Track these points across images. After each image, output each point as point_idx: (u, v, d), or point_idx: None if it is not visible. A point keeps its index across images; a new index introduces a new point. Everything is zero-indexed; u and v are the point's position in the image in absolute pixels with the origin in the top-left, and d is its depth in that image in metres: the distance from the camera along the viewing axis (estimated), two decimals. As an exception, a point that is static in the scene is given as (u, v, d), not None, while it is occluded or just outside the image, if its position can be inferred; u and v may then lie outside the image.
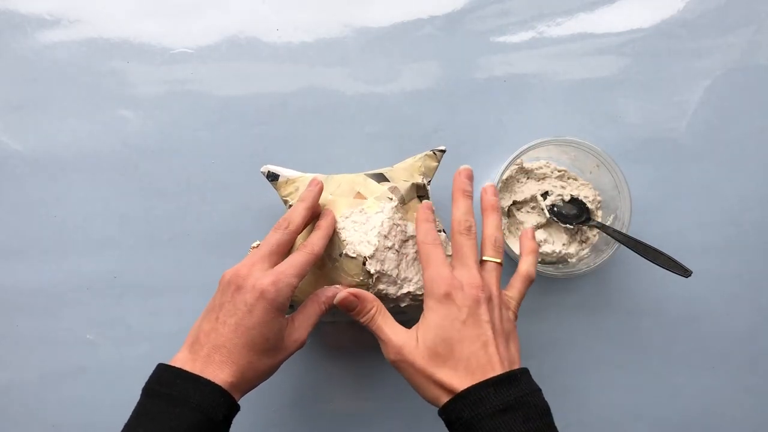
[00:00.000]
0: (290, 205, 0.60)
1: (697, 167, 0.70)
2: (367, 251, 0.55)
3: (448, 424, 0.49)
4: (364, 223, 0.57)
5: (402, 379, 0.67)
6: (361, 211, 0.57)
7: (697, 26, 0.70)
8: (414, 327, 0.52)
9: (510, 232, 0.67)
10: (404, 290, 0.57)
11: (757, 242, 0.69)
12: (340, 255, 0.56)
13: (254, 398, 0.66)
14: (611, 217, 0.66)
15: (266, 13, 0.69)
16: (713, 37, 0.70)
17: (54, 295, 0.67)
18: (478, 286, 0.50)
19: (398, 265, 0.57)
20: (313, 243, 0.54)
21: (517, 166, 0.67)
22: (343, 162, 0.68)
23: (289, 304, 0.53)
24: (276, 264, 0.52)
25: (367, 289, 0.56)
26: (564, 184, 0.68)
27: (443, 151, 0.61)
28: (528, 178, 0.68)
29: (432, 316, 0.50)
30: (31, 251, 0.67)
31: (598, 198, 0.67)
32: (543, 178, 0.68)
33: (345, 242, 0.56)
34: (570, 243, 0.67)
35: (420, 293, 0.57)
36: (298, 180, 0.61)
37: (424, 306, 0.51)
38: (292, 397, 0.67)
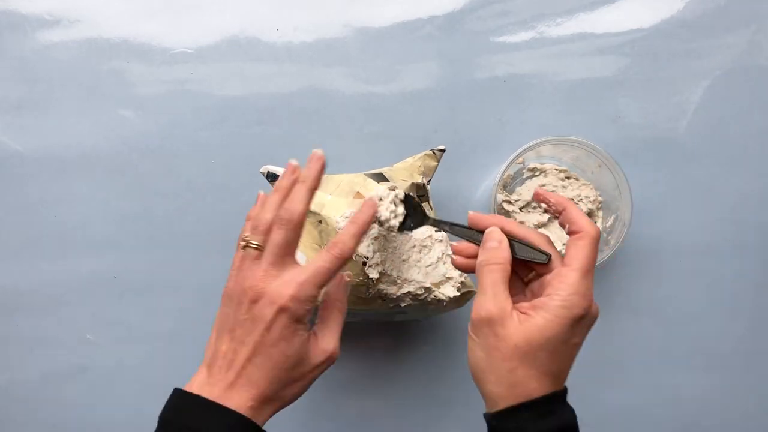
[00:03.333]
0: None
1: (697, 167, 0.70)
2: (367, 252, 0.55)
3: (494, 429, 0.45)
4: None
5: (402, 378, 0.67)
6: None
7: (697, 26, 0.70)
8: (524, 310, 0.45)
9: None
10: (404, 290, 0.57)
11: (757, 242, 0.69)
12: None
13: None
14: (612, 217, 0.66)
15: (266, 13, 0.69)
16: (713, 37, 0.70)
17: (54, 295, 0.67)
18: (598, 314, 0.47)
19: (399, 265, 0.57)
20: (343, 242, 0.46)
21: (519, 165, 0.67)
22: (343, 162, 0.68)
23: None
24: (291, 264, 0.46)
25: (367, 290, 0.56)
26: (565, 184, 0.68)
27: (443, 151, 0.61)
28: (529, 178, 0.68)
29: (554, 327, 0.44)
30: (31, 251, 0.67)
31: (599, 198, 0.67)
32: (544, 178, 0.68)
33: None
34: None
35: (420, 293, 0.57)
36: None
37: (546, 305, 0.44)
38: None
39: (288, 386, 0.46)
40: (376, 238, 0.55)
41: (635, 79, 0.70)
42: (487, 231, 0.48)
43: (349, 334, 0.68)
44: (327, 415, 0.67)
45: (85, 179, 0.68)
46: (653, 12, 0.70)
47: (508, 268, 0.46)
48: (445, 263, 0.59)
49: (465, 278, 0.59)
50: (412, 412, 0.67)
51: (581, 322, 0.45)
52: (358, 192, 0.58)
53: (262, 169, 0.61)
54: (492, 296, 0.45)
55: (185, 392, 0.45)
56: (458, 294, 0.58)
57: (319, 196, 0.58)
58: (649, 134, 0.70)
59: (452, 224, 0.51)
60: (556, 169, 0.68)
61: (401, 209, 0.55)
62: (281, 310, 0.44)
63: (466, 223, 0.50)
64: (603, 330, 0.69)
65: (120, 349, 0.67)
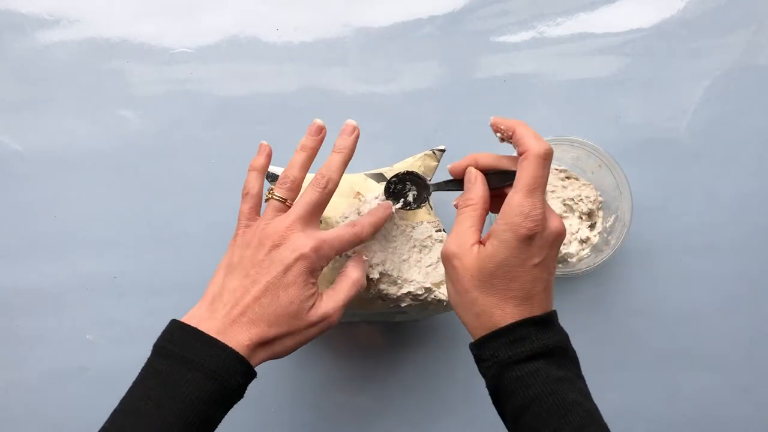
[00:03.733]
0: None
1: (697, 167, 0.70)
2: (367, 252, 0.55)
3: (478, 360, 0.46)
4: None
5: (403, 378, 0.67)
6: (359, 213, 0.57)
7: (697, 26, 0.70)
8: (480, 242, 0.47)
9: None
10: (404, 290, 0.57)
11: (757, 242, 0.69)
12: (340, 255, 0.56)
13: (254, 398, 0.66)
14: (612, 217, 0.66)
15: (266, 13, 0.69)
16: (713, 37, 0.70)
17: (54, 295, 0.67)
18: (563, 229, 0.46)
19: (399, 265, 0.57)
20: (363, 226, 0.50)
21: None
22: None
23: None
24: (315, 226, 0.49)
25: (368, 290, 0.55)
26: (565, 184, 0.68)
27: (443, 151, 0.61)
28: None
29: (502, 251, 0.44)
30: (31, 251, 0.67)
31: (600, 198, 0.67)
32: None
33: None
34: (570, 243, 0.67)
35: (420, 293, 0.57)
36: None
37: (494, 231, 0.45)
38: (292, 397, 0.67)
39: (284, 336, 0.46)
40: (376, 239, 0.55)
41: (635, 79, 0.70)
42: (467, 171, 0.50)
43: (349, 334, 0.68)
44: (326, 415, 0.67)
45: (85, 179, 0.68)
46: (653, 12, 0.70)
47: (481, 205, 0.48)
48: None
49: None
50: (412, 412, 0.67)
51: (532, 242, 0.44)
52: (358, 192, 0.58)
53: None
54: (455, 235, 0.47)
55: (184, 324, 0.45)
56: None
57: None
58: (649, 134, 0.70)
59: (446, 182, 0.54)
60: (556, 169, 0.68)
61: (411, 227, 0.57)
62: (302, 257, 0.46)
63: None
64: (603, 330, 0.69)
65: (120, 349, 0.67)
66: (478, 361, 0.46)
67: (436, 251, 0.58)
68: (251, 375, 0.46)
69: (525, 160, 0.45)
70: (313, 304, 0.47)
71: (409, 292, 0.57)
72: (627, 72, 0.70)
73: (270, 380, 0.66)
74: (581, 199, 0.67)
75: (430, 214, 0.60)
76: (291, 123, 0.69)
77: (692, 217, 0.69)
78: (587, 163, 0.67)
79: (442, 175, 0.63)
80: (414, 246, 0.58)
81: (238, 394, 0.45)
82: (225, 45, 0.69)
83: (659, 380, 0.69)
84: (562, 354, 0.45)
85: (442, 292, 0.57)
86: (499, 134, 0.49)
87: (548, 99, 0.69)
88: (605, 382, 0.69)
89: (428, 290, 0.57)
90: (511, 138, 0.48)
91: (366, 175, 0.60)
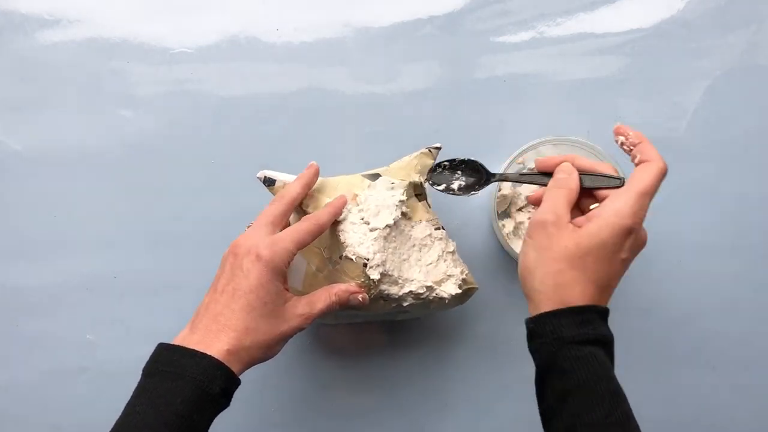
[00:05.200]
0: None
1: (697, 167, 0.70)
2: (367, 254, 0.55)
3: (532, 336, 0.48)
4: (363, 218, 0.57)
5: (403, 377, 0.67)
6: (360, 210, 0.57)
7: (697, 26, 0.70)
8: (578, 224, 0.48)
9: (515, 234, 0.67)
10: (406, 289, 0.56)
11: (757, 242, 0.69)
12: (340, 257, 0.56)
13: (254, 398, 0.66)
14: None
15: (266, 13, 0.69)
16: (713, 37, 0.70)
17: (54, 295, 0.67)
18: (646, 240, 0.49)
19: (400, 265, 0.57)
20: (319, 215, 0.54)
21: (519, 165, 0.67)
22: (344, 162, 0.68)
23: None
24: (272, 232, 0.52)
25: (369, 291, 0.55)
26: None
27: (439, 149, 0.61)
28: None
29: (604, 233, 0.46)
30: (31, 251, 0.67)
31: None
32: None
33: (345, 244, 0.55)
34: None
35: (422, 292, 0.57)
36: None
37: (599, 215, 0.47)
38: (292, 397, 0.67)
39: (260, 337, 0.49)
40: (375, 239, 0.55)
41: (635, 79, 0.70)
42: (560, 164, 0.52)
43: (349, 333, 0.68)
44: (326, 414, 0.67)
45: (84, 179, 0.68)
46: (653, 12, 0.70)
47: (574, 194, 0.50)
48: (445, 261, 0.59)
49: (466, 275, 0.59)
50: (412, 411, 0.67)
51: (629, 237, 0.47)
52: (355, 194, 0.58)
53: (258, 174, 0.60)
54: (551, 206, 0.49)
55: (167, 344, 0.48)
56: (460, 291, 0.58)
57: (319, 200, 0.58)
58: (649, 134, 0.69)
59: (520, 174, 0.56)
60: None
61: (400, 196, 0.57)
62: (257, 258, 0.49)
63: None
64: (603, 330, 0.69)
65: (120, 349, 0.67)
66: (533, 336, 0.48)
67: (436, 249, 0.58)
68: (234, 381, 0.48)
69: (646, 168, 0.48)
70: (285, 305, 0.51)
71: (410, 292, 0.57)
72: (627, 72, 0.70)
73: (270, 380, 0.66)
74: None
75: (428, 212, 0.60)
76: (291, 123, 0.69)
77: (692, 217, 0.69)
78: None
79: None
80: (414, 245, 0.58)
81: (223, 400, 0.47)
82: (225, 45, 0.69)
83: (659, 380, 0.69)
84: (612, 349, 0.48)
85: (443, 290, 0.57)
86: (621, 138, 0.51)
87: (548, 99, 0.69)
88: (605, 382, 0.69)
89: (430, 288, 0.57)
90: (633, 146, 0.50)
91: (363, 176, 0.60)
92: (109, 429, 0.46)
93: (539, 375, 0.48)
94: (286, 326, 0.50)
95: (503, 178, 0.58)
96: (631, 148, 0.51)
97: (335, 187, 0.59)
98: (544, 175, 0.54)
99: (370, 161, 0.64)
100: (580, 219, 0.49)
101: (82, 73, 0.68)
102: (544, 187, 0.53)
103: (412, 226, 0.59)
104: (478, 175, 0.59)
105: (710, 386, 0.69)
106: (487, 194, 0.66)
